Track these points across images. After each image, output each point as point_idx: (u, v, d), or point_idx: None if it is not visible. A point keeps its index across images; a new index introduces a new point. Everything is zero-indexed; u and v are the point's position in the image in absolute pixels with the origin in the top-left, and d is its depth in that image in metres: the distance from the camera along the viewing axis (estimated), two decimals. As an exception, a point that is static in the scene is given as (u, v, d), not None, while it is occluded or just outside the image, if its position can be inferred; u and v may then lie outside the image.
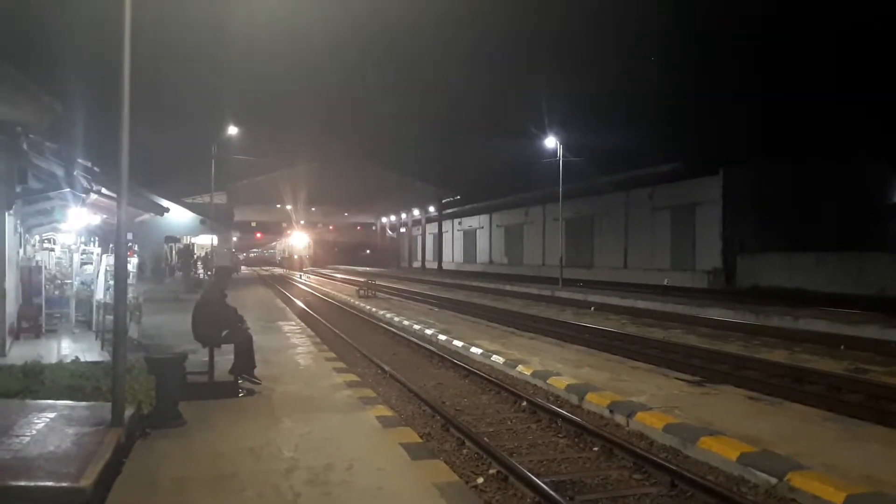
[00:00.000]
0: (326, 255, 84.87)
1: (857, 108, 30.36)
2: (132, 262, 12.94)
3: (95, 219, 17.07)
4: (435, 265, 67.37)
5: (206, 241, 37.79)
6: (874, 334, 14.39)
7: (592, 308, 22.91)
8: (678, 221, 34.20)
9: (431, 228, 71.00)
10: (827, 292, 23.00)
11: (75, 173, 12.42)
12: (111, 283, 10.71)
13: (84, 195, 13.16)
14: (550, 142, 33.66)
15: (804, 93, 33.18)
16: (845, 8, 31.75)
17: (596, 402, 8.27)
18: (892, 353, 12.52)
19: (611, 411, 7.91)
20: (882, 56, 30.55)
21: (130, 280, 12.43)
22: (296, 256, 72.22)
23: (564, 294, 28.05)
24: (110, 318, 9.41)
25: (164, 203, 25.84)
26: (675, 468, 5.87)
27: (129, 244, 13.49)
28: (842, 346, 13.43)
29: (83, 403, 6.70)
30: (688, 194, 33.39)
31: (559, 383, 9.30)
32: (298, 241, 73.99)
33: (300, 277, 48.90)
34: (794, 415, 7.56)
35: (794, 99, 33.12)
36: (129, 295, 10.96)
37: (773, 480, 5.50)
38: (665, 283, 30.94)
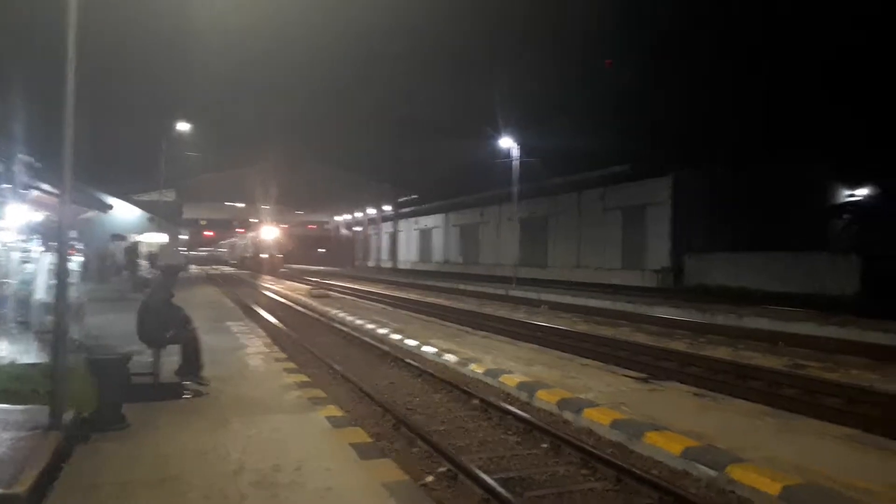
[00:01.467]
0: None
1: (800, 113, 31.40)
2: (75, 261, 12.57)
3: (37, 216, 16.49)
4: (390, 264, 67.19)
5: (154, 239, 36.89)
6: (812, 331, 14.94)
7: (545, 307, 23.18)
8: (629, 222, 34.86)
9: (387, 227, 70.77)
10: (770, 291, 23.76)
11: (15, 168, 12.00)
12: (53, 281, 10.39)
13: (24, 191, 12.72)
14: (506, 142, 33.98)
15: (751, 98, 34.15)
16: (792, 16, 32.81)
17: (546, 399, 8.38)
18: (828, 349, 13.04)
19: (560, 408, 8.03)
20: (824, 63, 31.69)
21: (73, 279, 12.07)
22: (264, 255, 56.70)
23: (518, 293, 28.31)
24: (51, 318, 9.11)
25: (110, 200, 25.17)
26: (620, 463, 5.99)
27: (73, 242, 13.08)
28: (781, 343, 13.90)
29: (20, 407, 6.47)
30: (638, 195, 34.06)
31: (511, 381, 9.39)
32: (270, 235, 58.98)
33: (254, 279, 47.98)
34: (736, 410, 7.80)
35: (740, 104, 34.08)
36: (73, 294, 10.64)
37: (714, 474, 5.67)
38: (616, 282, 31.52)
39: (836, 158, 31.45)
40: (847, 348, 13.03)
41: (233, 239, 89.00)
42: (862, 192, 34.45)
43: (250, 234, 67.42)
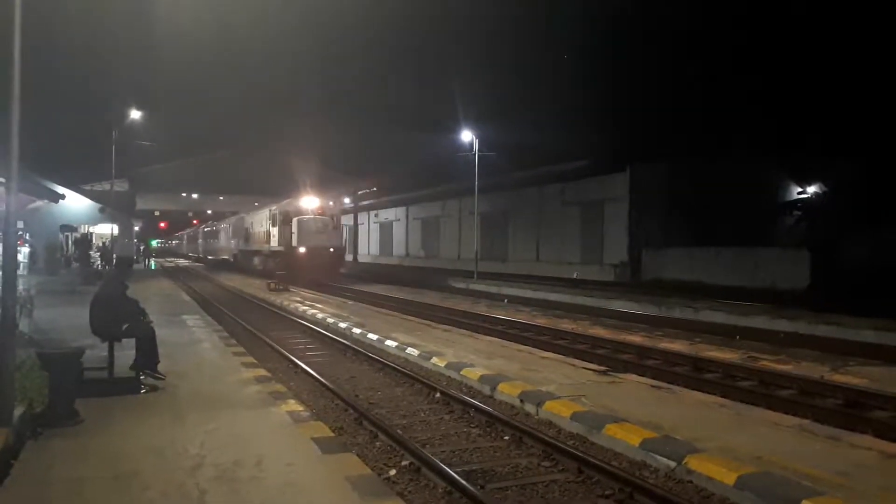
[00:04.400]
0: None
1: (754, 112, 32.16)
2: (23, 252, 12.14)
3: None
4: (350, 258, 66.70)
5: (105, 230, 35.95)
6: (765, 325, 15.33)
7: (506, 300, 23.31)
8: (588, 217, 35.27)
9: (347, 220, 70.11)
10: (724, 285, 24.31)
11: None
12: (-1, 273, 10.02)
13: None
14: (467, 136, 34.00)
15: (708, 95, 34.84)
16: (750, 13, 33.49)
17: (507, 391, 8.42)
18: (780, 342, 13.39)
19: (521, 401, 8.07)
20: (778, 62, 32.52)
21: (21, 271, 11.67)
22: (301, 248, 30.03)
23: (479, 287, 28.40)
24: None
25: (60, 190, 24.35)
26: (581, 455, 6.05)
27: (20, 233, 12.63)
28: (737, 336, 14.23)
29: (-34, 403, 6.23)
30: (597, 190, 34.48)
31: (472, 374, 9.40)
32: (313, 211, 31.74)
33: (210, 272, 46.30)
34: (693, 401, 7.96)
35: (697, 102, 34.75)
36: (20, 287, 10.29)
37: (673, 464, 5.77)
38: (575, 276, 31.88)
39: (788, 156, 32.34)
40: (798, 341, 13.39)
41: (219, 223, 58.07)
42: (811, 189, 35.51)
43: (266, 213, 36.00)
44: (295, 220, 30.88)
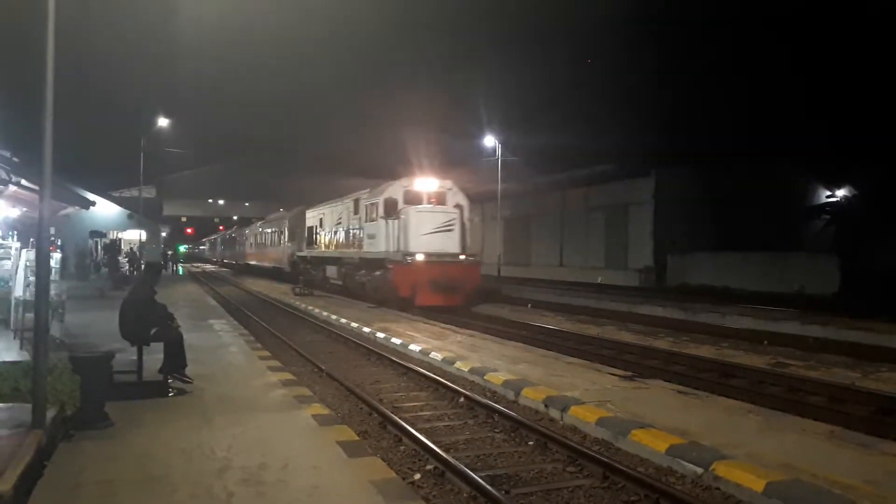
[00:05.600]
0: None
1: (782, 117, 31.81)
2: (54, 258, 12.39)
3: (14, 211, 16.26)
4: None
5: (134, 236, 36.53)
6: (794, 330, 15.10)
7: (529, 305, 23.23)
8: (612, 221, 35.06)
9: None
10: (752, 290, 24.01)
11: (-8, 163, 11.82)
12: (31, 279, 10.24)
13: (1, 186, 12.54)
14: (490, 141, 34.03)
15: (734, 98, 34.52)
16: (780, 16, 33.15)
17: (532, 397, 8.39)
18: (810, 348, 13.19)
19: (546, 406, 8.04)
20: (807, 66, 32.13)
21: (52, 276, 11.90)
22: (417, 255, 19.68)
23: (502, 291, 28.32)
24: (30, 316, 8.98)
25: (90, 196, 24.83)
26: (607, 460, 6.01)
27: (52, 239, 12.89)
28: (765, 342, 14.05)
29: (1, 405, 6.38)
30: (621, 195, 34.27)
31: (496, 379, 9.39)
32: (425, 189, 21.38)
33: (235, 276, 46.85)
34: (720, 407, 7.86)
35: (724, 104, 34.44)
36: (52, 292, 10.50)
37: (700, 470, 5.70)
38: (599, 280, 31.67)
39: (816, 159, 31.87)
40: (828, 347, 13.19)
41: (266, 222, 44.39)
42: (840, 192, 34.93)
43: (349, 203, 25.25)
44: (409, 210, 20.70)
